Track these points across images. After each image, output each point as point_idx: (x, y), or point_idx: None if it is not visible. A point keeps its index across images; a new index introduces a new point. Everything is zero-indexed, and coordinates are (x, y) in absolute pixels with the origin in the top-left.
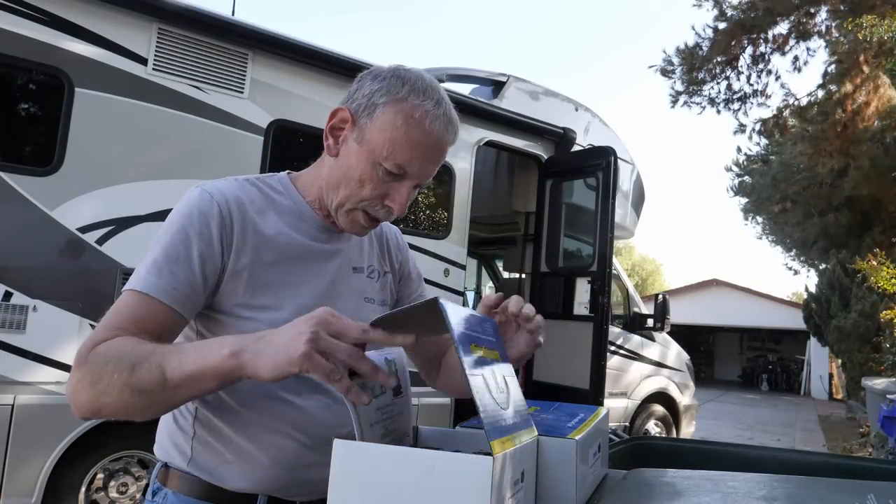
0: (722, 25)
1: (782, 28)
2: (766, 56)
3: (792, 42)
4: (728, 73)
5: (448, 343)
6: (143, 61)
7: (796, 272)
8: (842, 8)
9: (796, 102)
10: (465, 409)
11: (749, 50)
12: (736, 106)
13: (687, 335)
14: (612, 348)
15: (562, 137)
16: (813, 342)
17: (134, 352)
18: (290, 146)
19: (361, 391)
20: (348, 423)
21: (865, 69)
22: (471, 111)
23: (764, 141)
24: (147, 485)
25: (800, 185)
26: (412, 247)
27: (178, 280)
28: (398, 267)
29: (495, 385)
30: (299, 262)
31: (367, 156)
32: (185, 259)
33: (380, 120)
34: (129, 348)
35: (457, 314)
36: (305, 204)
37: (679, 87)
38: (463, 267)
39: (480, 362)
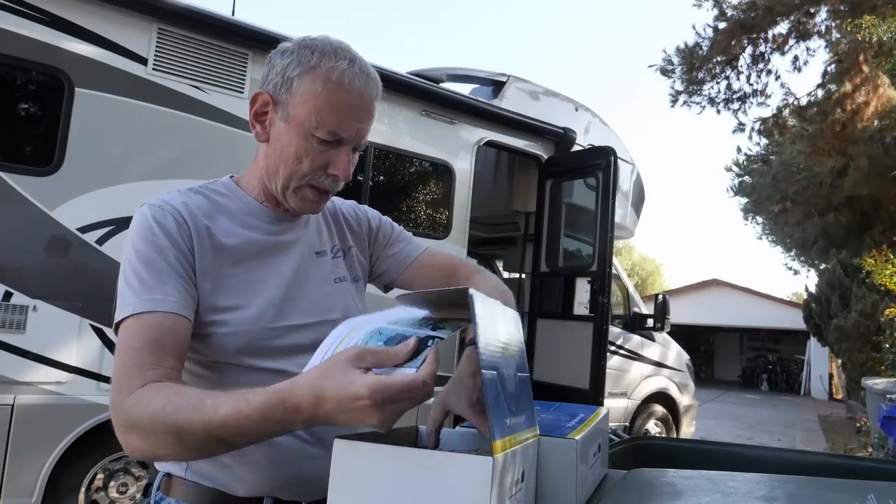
0: (722, 25)
1: (782, 28)
2: (766, 56)
3: (792, 42)
4: (728, 73)
5: None
6: (143, 61)
7: (796, 272)
8: (842, 8)
9: (796, 102)
10: None
11: (749, 50)
12: (736, 105)
13: (687, 335)
14: (612, 348)
15: (562, 137)
16: (813, 342)
17: (172, 414)
18: None
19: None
20: None
21: (865, 69)
22: (471, 111)
23: (764, 141)
24: (147, 485)
25: (800, 185)
26: None
27: (174, 288)
28: (364, 230)
29: (509, 382)
30: (258, 258)
31: (297, 130)
32: (168, 267)
33: (300, 92)
34: (164, 410)
35: (484, 307)
36: (253, 200)
37: (679, 86)
38: None
39: (497, 358)
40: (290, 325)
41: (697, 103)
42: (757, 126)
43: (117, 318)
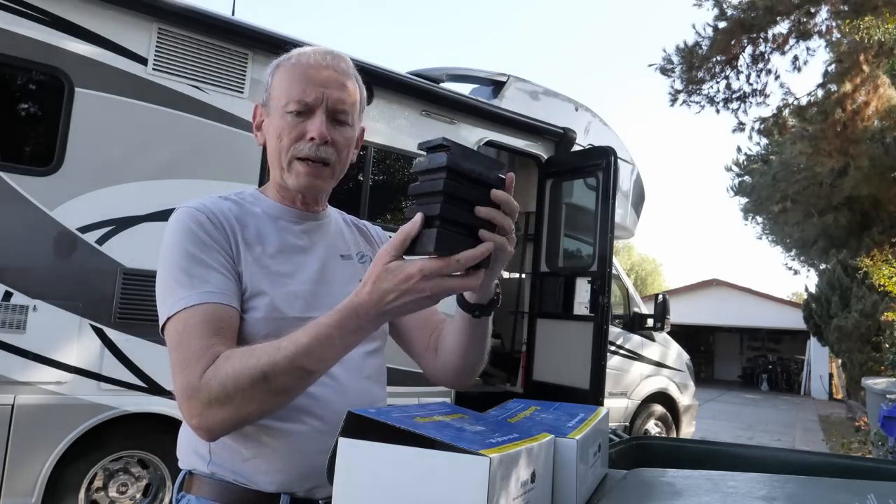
0: (722, 24)
1: (782, 28)
2: (766, 55)
3: (792, 42)
4: (727, 73)
5: (441, 320)
6: (143, 61)
7: (796, 272)
8: (843, 8)
9: (796, 102)
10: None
11: (749, 49)
12: (735, 105)
13: (687, 335)
14: (612, 348)
15: (562, 137)
16: (813, 342)
17: (255, 364)
18: None
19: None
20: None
21: (865, 69)
22: (471, 111)
23: (764, 140)
24: (147, 485)
25: (800, 184)
26: None
27: (220, 281)
28: None
29: None
30: (284, 255)
31: (275, 115)
32: (212, 261)
33: (274, 85)
34: (245, 364)
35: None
36: (276, 203)
37: (678, 85)
38: None
39: None
40: (318, 316)
41: (697, 102)
42: (757, 126)
43: (171, 311)
